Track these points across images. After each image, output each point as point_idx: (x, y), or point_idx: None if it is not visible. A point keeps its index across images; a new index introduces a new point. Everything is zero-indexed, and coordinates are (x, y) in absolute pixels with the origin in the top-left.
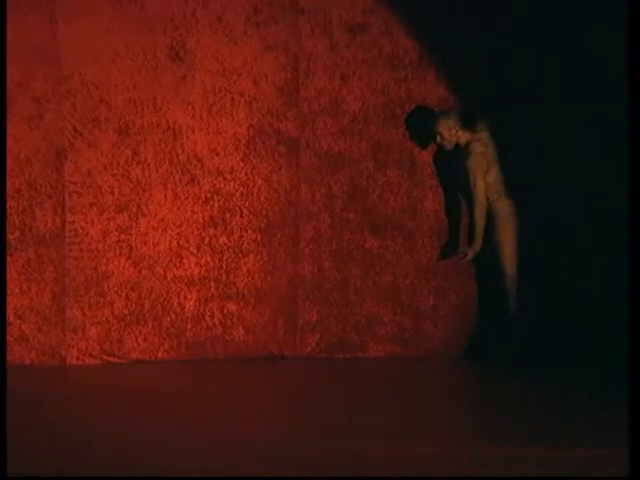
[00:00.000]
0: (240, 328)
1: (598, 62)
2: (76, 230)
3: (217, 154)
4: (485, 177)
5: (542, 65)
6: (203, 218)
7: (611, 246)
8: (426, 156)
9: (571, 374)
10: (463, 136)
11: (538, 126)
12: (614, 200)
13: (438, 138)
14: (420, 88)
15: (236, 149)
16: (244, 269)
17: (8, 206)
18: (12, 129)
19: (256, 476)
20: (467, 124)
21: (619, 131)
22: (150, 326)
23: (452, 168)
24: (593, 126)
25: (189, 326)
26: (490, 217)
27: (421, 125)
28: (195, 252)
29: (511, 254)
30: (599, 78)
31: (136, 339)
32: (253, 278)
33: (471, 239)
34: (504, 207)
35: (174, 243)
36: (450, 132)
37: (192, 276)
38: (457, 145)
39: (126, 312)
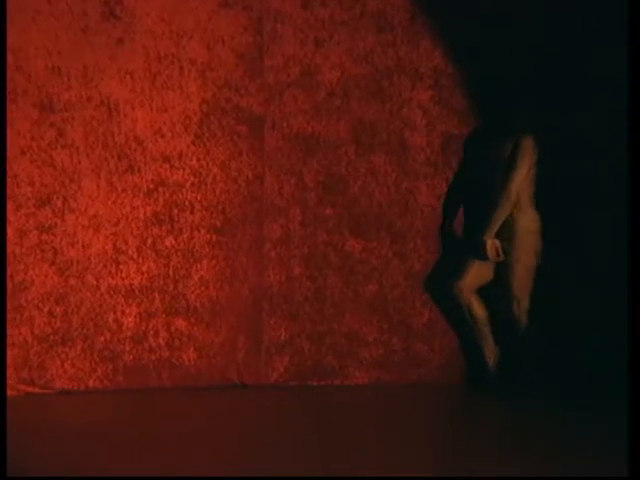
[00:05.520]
0: (191, 350)
1: (599, 34)
2: None
3: (162, 136)
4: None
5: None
6: (145, 214)
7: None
8: (419, 139)
9: (570, 393)
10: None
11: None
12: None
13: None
14: (412, 55)
15: (186, 130)
16: (196, 277)
17: None
18: None
19: (255, 476)
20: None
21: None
22: (79, 348)
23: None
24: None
25: (128, 348)
26: (507, 231)
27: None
28: (135, 257)
29: (525, 276)
30: (600, 49)
31: (62, 364)
32: (207, 288)
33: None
34: (526, 221)
35: (109, 245)
36: None
37: (132, 286)
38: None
39: (49, 331)
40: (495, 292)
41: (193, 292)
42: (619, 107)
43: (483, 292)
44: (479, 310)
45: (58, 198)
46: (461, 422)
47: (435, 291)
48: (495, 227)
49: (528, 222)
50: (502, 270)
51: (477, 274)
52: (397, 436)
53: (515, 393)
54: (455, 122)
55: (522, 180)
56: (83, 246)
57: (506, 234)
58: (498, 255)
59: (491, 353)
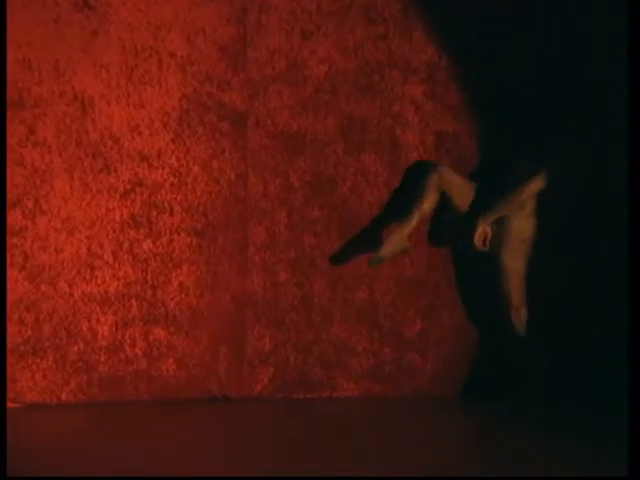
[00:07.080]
0: (170, 361)
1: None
2: None
3: (140, 133)
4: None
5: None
6: (121, 217)
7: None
8: (411, 137)
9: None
10: None
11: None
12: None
13: None
14: (404, 48)
15: (165, 127)
16: (175, 283)
17: None
18: None
19: (255, 476)
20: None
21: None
22: (51, 359)
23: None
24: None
25: (103, 358)
26: (500, 235)
27: None
28: (111, 261)
29: (519, 283)
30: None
31: (32, 376)
32: (187, 295)
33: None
34: (521, 227)
35: (83, 249)
36: None
37: (107, 293)
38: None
39: (19, 341)
40: (495, 302)
41: (172, 299)
42: (618, 106)
43: (482, 298)
44: (430, 198)
45: (29, 199)
46: (458, 432)
47: (418, 166)
48: (493, 216)
49: (522, 229)
50: (494, 280)
51: (459, 190)
52: (389, 450)
53: (514, 396)
54: (449, 119)
55: (537, 189)
56: (55, 250)
57: (497, 234)
58: (484, 245)
59: (396, 235)
